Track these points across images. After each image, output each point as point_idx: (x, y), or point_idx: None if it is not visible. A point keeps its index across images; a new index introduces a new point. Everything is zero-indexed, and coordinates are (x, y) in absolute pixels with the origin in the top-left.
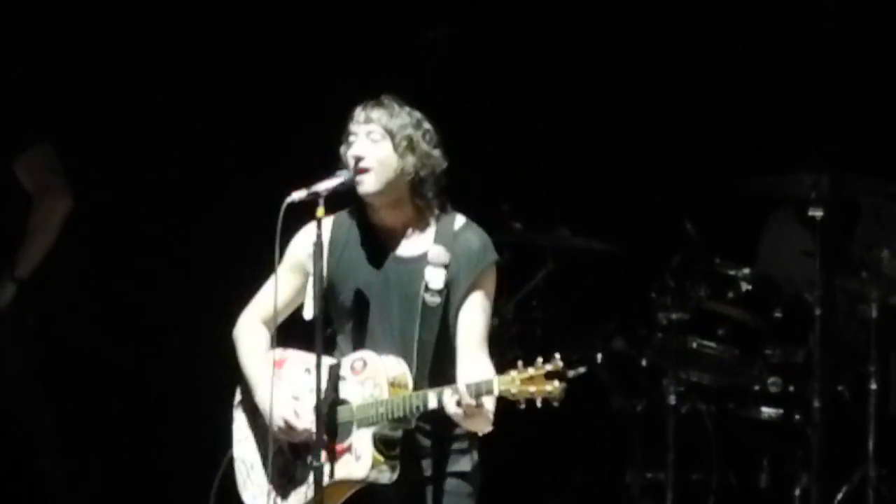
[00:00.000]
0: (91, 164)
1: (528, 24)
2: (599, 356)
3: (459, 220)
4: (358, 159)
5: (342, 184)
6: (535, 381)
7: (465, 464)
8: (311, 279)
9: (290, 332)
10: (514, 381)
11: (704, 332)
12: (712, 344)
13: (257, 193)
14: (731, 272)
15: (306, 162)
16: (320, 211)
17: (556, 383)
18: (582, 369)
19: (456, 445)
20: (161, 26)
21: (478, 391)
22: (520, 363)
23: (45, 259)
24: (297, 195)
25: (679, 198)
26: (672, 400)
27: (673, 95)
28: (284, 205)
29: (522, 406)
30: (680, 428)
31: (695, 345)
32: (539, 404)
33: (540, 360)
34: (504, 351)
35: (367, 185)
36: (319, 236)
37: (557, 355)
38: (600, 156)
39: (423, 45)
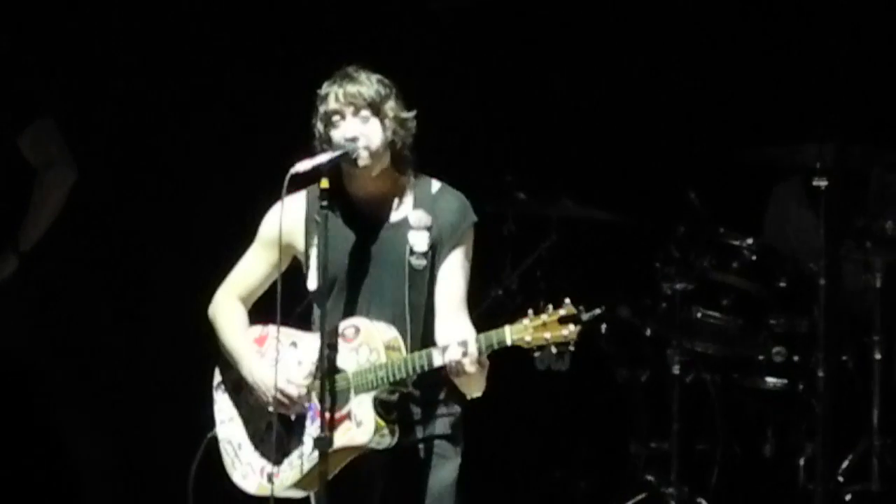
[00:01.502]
0: (85, 142)
1: None
2: (604, 327)
3: (435, 183)
4: (352, 140)
5: (346, 154)
6: (549, 326)
7: (450, 425)
8: (313, 250)
9: (261, 309)
10: (528, 329)
11: (709, 302)
12: (717, 314)
13: (256, 169)
14: (736, 242)
15: (302, 135)
16: (324, 182)
17: (572, 327)
18: (598, 311)
19: (445, 410)
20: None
21: (488, 342)
22: (530, 311)
23: (48, 232)
24: (301, 167)
25: (683, 167)
26: (676, 370)
27: (678, 64)
28: (288, 176)
29: (537, 354)
30: (684, 398)
31: (699, 315)
32: (554, 350)
33: (550, 306)
34: (535, 307)
35: (362, 160)
36: (326, 206)
37: (567, 300)
38: (604, 125)
39: (428, 15)
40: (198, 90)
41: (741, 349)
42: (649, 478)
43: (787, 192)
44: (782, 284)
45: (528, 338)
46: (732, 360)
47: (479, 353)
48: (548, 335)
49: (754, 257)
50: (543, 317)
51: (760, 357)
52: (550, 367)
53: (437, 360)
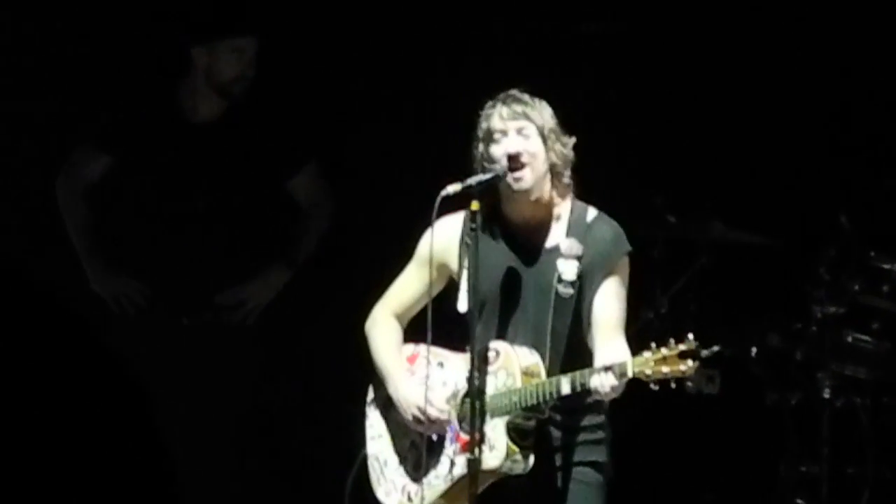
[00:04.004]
0: None
1: (683, 18)
2: (754, 350)
3: (592, 211)
4: (514, 156)
5: (496, 177)
6: (669, 361)
7: (597, 454)
8: (464, 272)
9: (421, 327)
10: (648, 362)
11: (859, 325)
12: (867, 338)
13: (420, 186)
14: (887, 266)
15: (456, 157)
16: (475, 204)
17: (690, 362)
18: (716, 348)
19: (588, 436)
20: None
21: (612, 374)
22: (653, 344)
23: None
24: (452, 188)
25: (834, 190)
26: (827, 394)
27: (830, 86)
28: (439, 198)
29: (655, 388)
30: (835, 421)
31: (850, 338)
32: (673, 385)
33: (672, 340)
34: (657, 341)
35: (525, 181)
36: (476, 228)
37: (690, 335)
38: (755, 147)
39: (578, 39)
40: (359, 113)
41: (892, 373)
42: (799, 501)
43: None
44: None
45: (648, 371)
46: (883, 384)
47: (616, 380)
48: (667, 369)
49: None
50: (664, 351)
51: None
52: (701, 391)
53: (566, 388)
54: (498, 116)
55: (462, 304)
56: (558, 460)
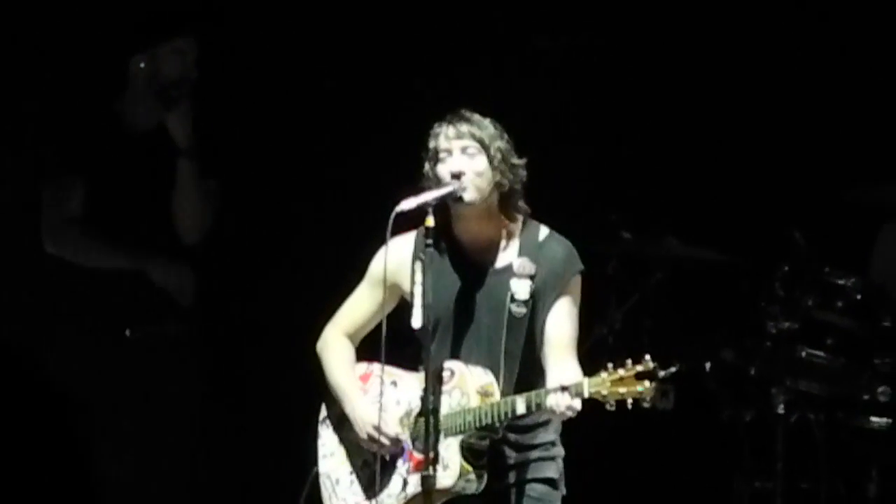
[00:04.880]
0: None
1: (638, 33)
2: (708, 366)
3: (543, 230)
4: (457, 175)
5: (450, 194)
6: (626, 382)
7: (551, 471)
8: (418, 288)
9: (372, 346)
10: (605, 383)
11: (813, 341)
12: (821, 353)
13: (369, 205)
14: (841, 281)
15: (411, 171)
16: (429, 220)
17: (647, 383)
18: (673, 369)
19: (541, 453)
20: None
21: (568, 394)
22: (609, 365)
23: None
24: (406, 205)
25: (788, 207)
26: (781, 409)
27: (783, 103)
28: (393, 214)
29: (612, 408)
30: (789, 437)
31: (804, 354)
32: (630, 405)
33: (629, 361)
34: (614, 360)
35: (468, 194)
36: (430, 245)
37: (647, 356)
38: (709, 164)
39: (533, 54)
40: (307, 131)
41: (846, 388)
42: None
43: (894, 232)
44: (887, 324)
45: (604, 391)
46: (837, 400)
47: (571, 400)
48: (623, 390)
49: (859, 296)
50: (621, 371)
51: (865, 396)
52: (655, 406)
53: (520, 409)
54: (444, 136)
55: (416, 321)
56: (511, 478)
